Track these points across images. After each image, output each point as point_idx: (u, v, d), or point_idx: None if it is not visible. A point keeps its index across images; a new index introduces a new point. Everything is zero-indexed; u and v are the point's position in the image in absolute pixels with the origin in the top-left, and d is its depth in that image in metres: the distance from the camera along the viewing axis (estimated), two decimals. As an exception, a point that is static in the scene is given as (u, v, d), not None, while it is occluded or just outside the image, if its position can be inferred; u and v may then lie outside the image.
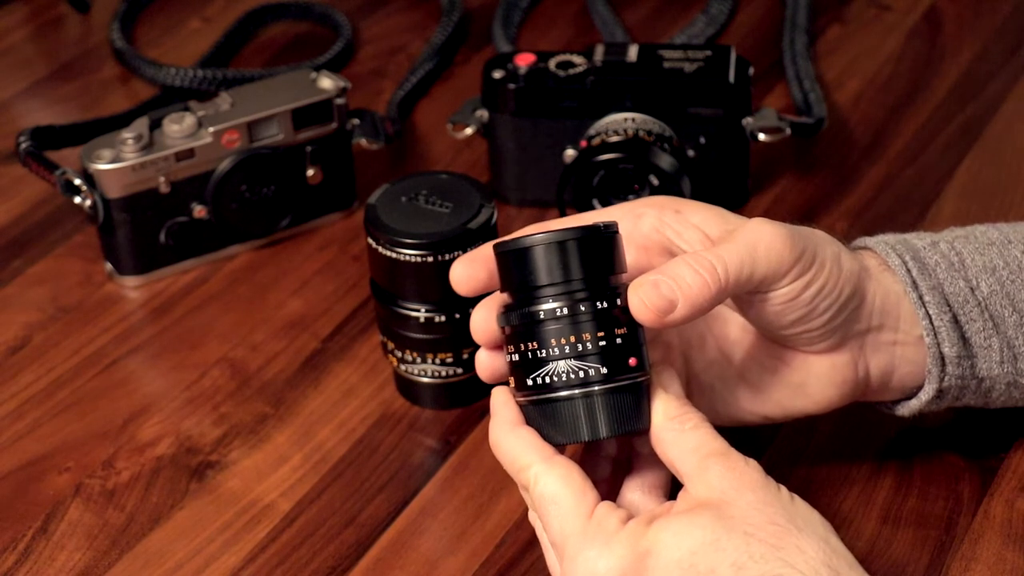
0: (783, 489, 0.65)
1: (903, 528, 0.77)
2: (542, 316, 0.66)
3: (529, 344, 0.66)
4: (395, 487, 0.81)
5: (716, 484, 0.64)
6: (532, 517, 0.69)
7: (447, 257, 0.79)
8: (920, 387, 0.75)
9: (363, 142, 0.98)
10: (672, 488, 0.69)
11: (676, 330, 0.74)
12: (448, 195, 0.81)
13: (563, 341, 0.65)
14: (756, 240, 0.68)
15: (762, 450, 0.81)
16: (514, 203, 1.01)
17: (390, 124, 1.02)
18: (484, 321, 0.70)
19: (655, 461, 0.69)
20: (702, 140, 0.96)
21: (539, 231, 0.67)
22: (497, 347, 0.70)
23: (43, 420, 0.86)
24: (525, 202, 1.01)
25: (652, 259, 0.72)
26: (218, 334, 0.92)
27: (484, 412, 0.85)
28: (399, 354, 0.84)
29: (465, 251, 0.79)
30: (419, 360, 0.83)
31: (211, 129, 0.93)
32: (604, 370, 0.66)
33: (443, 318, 0.81)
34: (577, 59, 0.97)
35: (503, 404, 0.68)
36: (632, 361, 0.66)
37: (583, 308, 0.65)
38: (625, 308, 0.66)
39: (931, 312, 0.73)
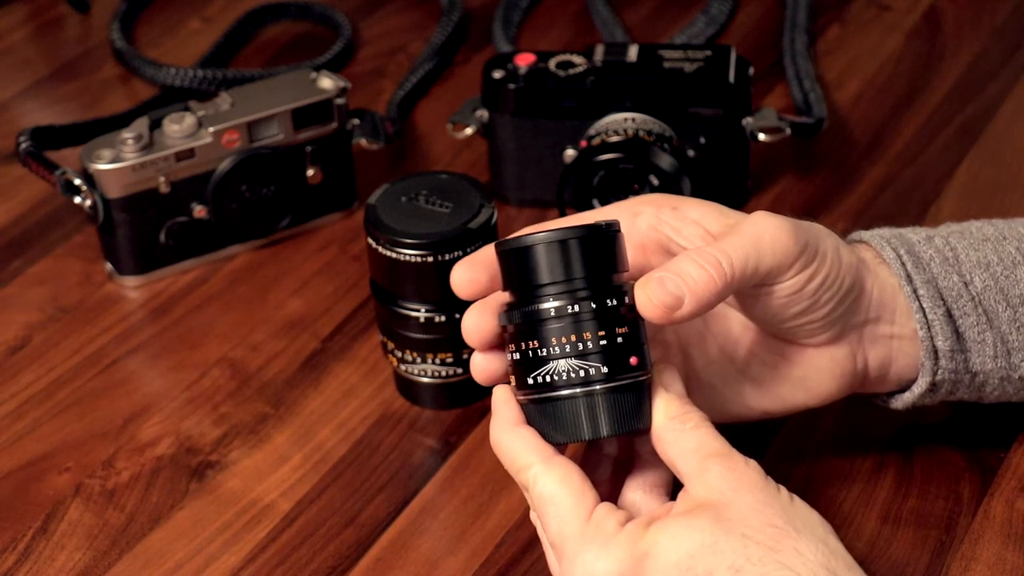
0: (783, 490, 0.65)
1: (903, 528, 0.77)
2: (543, 315, 0.66)
3: (530, 343, 0.66)
4: (395, 487, 0.81)
5: (716, 485, 0.64)
6: (533, 516, 0.69)
7: (447, 257, 0.79)
8: (915, 379, 0.75)
9: (363, 142, 0.98)
10: (673, 487, 0.69)
11: (674, 329, 0.75)
12: (448, 195, 0.81)
13: (564, 340, 0.66)
14: (760, 233, 0.68)
15: (762, 450, 0.81)
16: (514, 203, 1.01)
17: (390, 124, 1.02)
18: (476, 323, 0.70)
19: (656, 460, 0.69)
20: (702, 140, 0.96)
21: (540, 230, 0.67)
22: (490, 349, 0.70)
23: (43, 420, 0.86)
24: (525, 202, 1.01)
25: (649, 257, 0.72)
26: (218, 334, 0.92)
27: (484, 412, 0.85)
28: (399, 354, 0.84)
29: (465, 251, 0.79)
30: (419, 360, 0.83)
31: (211, 129, 0.93)
32: (605, 369, 0.66)
33: (443, 318, 0.81)
34: (577, 59, 0.97)
35: (504, 403, 0.68)
36: (633, 360, 0.66)
37: (584, 307, 0.65)
38: (627, 307, 0.66)
39: (925, 306, 0.73)
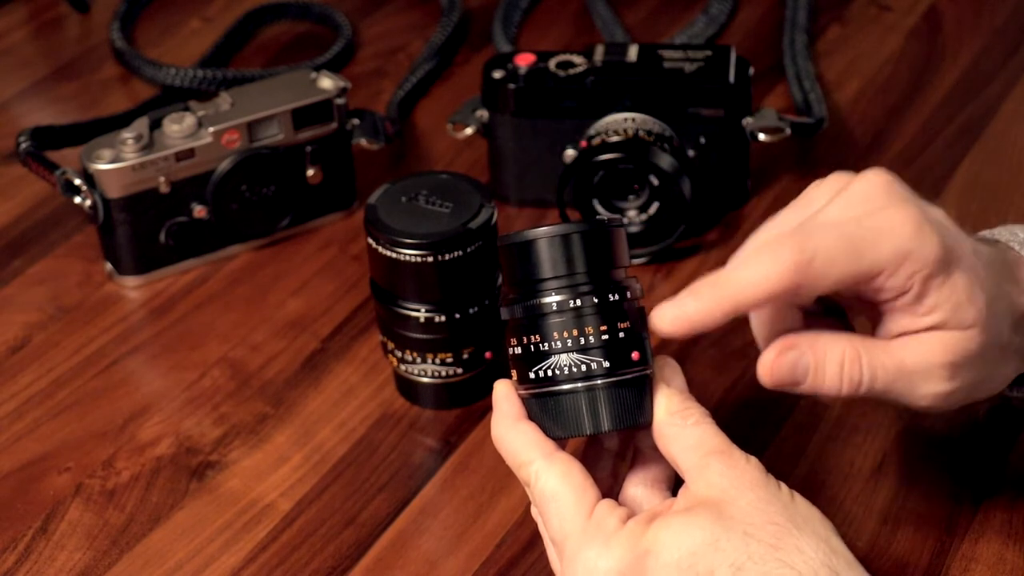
0: (783, 487, 0.65)
1: (903, 528, 0.77)
2: (545, 309, 0.66)
3: (532, 337, 0.66)
4: (395, 487, 0.81)
5: (716, 482, 0.64)
6: (535, 512, 0.69)
7: (447, 257, 0.79)
8: None
9: (363, 142, 0.98)
10: (675, 483, 0.69)
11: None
12: (448, 195, 0.81)
13: (566, 334, 0.66)
14: (914, 370, 0.67)
15: (763, 449, 0.81)
16: (514, 203, 1.01)
17: (390, 124, 1.02)
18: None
19: (657, 456, 0.69)
20: (702, 140, 0.96)
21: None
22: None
23: (43, 420, 0.86)
24: (525, 202, 1.01)
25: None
26: (218, 334, 0.92)
27: (484, 412, 0.85)
28: (399, 354, 0.84)
29: (465, 252, 0.79)
30: (419, 360, 0.83)
31: (211, 129, 0.93)
32: (607, 364, 0.66)
33: (443, 318, 0.81)
34: (577, 59, 0.97)
35: (505, 397, 0.68)
36: (635, 355, 0.66)
37: (586, 301, 0.66)
38: (629, 302, 0.66)
39: None
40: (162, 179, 0.93)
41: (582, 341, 0.66)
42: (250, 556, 0.78)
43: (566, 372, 0.66)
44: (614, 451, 0.71)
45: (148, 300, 0.95)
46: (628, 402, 0.66)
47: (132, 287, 0.96)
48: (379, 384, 0.88)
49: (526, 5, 1.20)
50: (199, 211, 0.95)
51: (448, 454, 0.83)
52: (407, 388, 0.86)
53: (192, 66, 1.12)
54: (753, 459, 0.65)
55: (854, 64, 1.14)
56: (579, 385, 0.66)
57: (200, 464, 0.83)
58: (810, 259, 0.65)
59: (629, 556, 0.63)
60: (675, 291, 0.67)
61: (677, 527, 0.63)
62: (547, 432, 0.67)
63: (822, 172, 1.02)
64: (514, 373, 0.68)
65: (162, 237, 0.95)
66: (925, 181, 1.01)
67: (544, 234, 0.66)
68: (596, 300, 0.66)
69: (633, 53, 0.98)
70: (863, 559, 0.72)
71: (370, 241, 0.81)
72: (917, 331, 0.67)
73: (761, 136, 0.96)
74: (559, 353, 0.66)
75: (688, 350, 0.88)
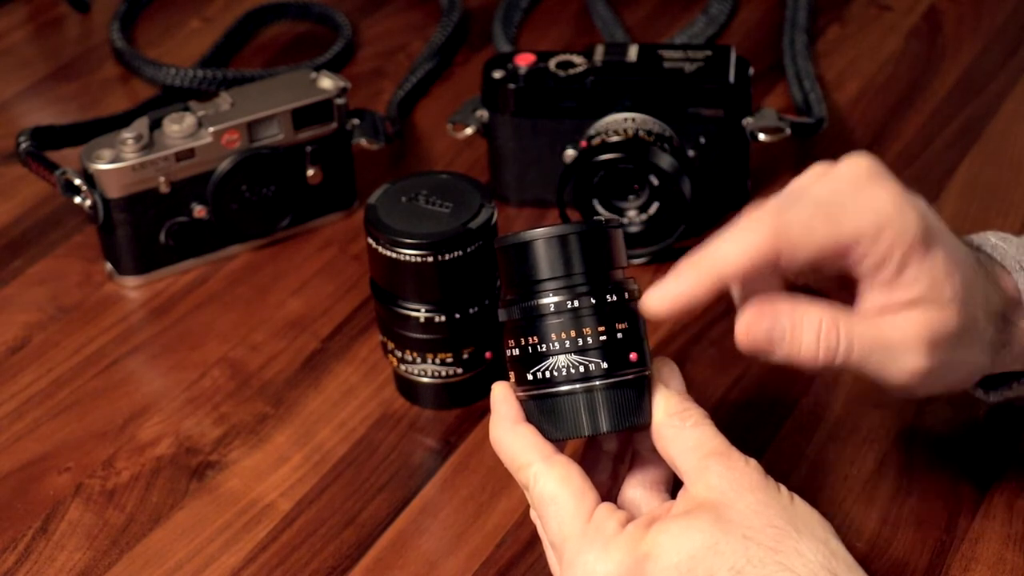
0: (783, 489, 0.65)
1: (903, 528, 0.77)
2: (543, 310, 0.66)
3: (529, 338, 0.66)
4: (395, 487, 0.81)
5: (715, 484, 0.64)
6: (534, 515, 0.69)
7: (447, 257, 0.79)
8: None
9: (363, 142, 0.98)
10: (673, 485, 0.69)
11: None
12: (448, 195, 0.81)
13: (563, 336, 0.66)
14: (894, 347, 0.67)
15: (762, 450, 0.81)
16: (514, 203, 1.01)
17: (390, 124, 1.02)
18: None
19: (656, 457, 0.69)
20: (702, 140, 0.96)
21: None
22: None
23: (43, 420, 0.86)
24: (525, 202, 1.01)
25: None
26: (218, 334, 0.92)
27: (484, 412, 0.85)
28: (399, 354, 0.84)
29: (465, 252, 0.79)
30: (419, 360, 0.83)
31: (211, 129, 0.93)
32: (605, 365, 0.66)
33: (443, 318, 0.81)
34: (577, 59, 0.97)
35: (503, 399, 0.68)
36: (633, 356, 0.66)
37: (584, 303, 0.65)
38: (626, 303, 0.66)
39: None
40: (162, 179, 0.93)
41: (580, 342, 0.65)
42: (250, 556, 0.78)
43: (564, 374, 0.66)
44: (613, 453, 0.71)
45: (148, 300, 0.95)
46: (626, 403, 0.66)
47: (132, 287, 0.96)
48: (379, 384, 0.88)
49: (526, 5, 1.20)
50: (199, 211, 0.95)
51: (448, 454, 0.83)
52: (407, 388, 0.86)
53: (192, 66, 1.12)
54: (752, 461, 0.65)
55: (854, 64, 1.14)
56: (577, 387, 0.66)
57: (200, 464, 0.83)
58: (788, 227, 0.65)
59: (628, 560, 0.63)
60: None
61: (676, 531, 0.63)
62: (545, 434, 0.67)
63: (822, 172, 1.03)
64: (512, 375, 0.68)
65: (162, 237, 0.95)
66: (925, 181, 1.01)
67: (541, 235, 0.66)
68: (594, 301, 0.66)
69: (633, 53, 0.98)
70: (863, 559, 0.72)
71: (370, 241, 0.81)
72: (896, 306, 0.67)
73: (761, 136, 0.96)
74: (557, 354, 0.66)
75: (688, 350, 0.88)
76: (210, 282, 0.96)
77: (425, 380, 0.84)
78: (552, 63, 0.97)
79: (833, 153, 1.03)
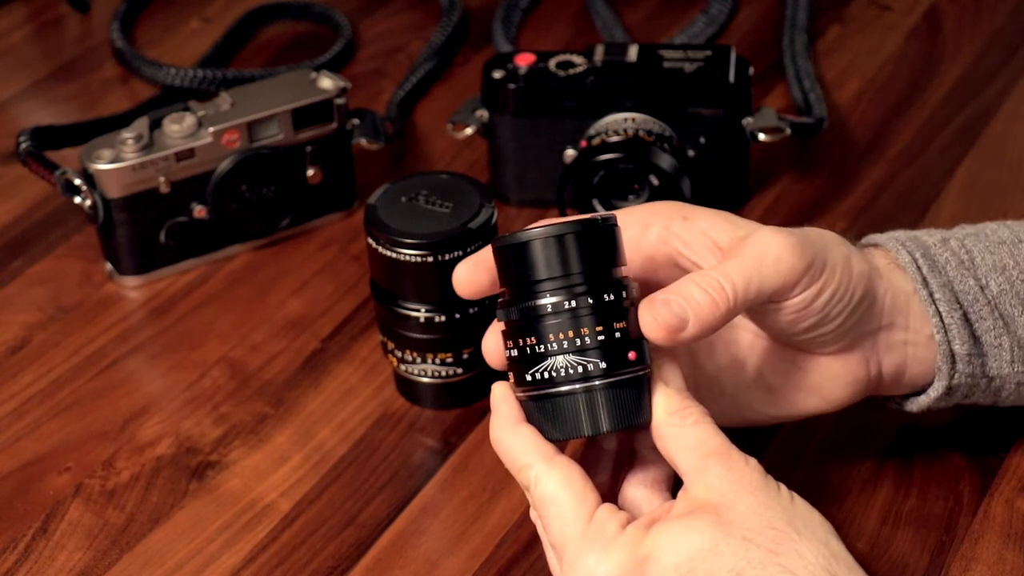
0: (783, 489, 0.65)
1: (903, 528, 0.77)
2: (540, 311, 0.66)
3: (528, 339, 0.66)
4: (395, 487, 0.81)
5: (715, 485, 0.64)
6: (534, 515, 0.69)
7: (447, 257, 0.79)
8: (930, 383, 0.75)
9: (363, 142, 0.98)
10: (674, 483, 0.69)
11: None
12: (448, 195, 0.81)
13: (562, 336, 0.65)
14: (763, 253, 0.68)
15: (762, 450, 0.81)
16: (514, 203, 1.01)
17: (390, 124, 1.02)
18: (496, 345, 0.69)
19: (656, 456, 0.69)
20: (702, 140, 0.96)
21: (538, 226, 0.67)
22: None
23: (43, 420, 0.86)
24: (525, 202, 1.01)
25: (659, 270, 0.71)
26: (218, 334, 0.92)
27: (484, 412, 0.85)
28: (399, 354, 0.84)
29: (465, 252, 0.79)
30: (419, 360, 0.83)
31: (211, 129, 0.93)
32: (604, 365, 0.65)
33: (443, 318, 0.81)
34: (577, 59, 0.97)
35: (503, 400, 0.68)
36: (632, 355, 0.66)
37: (582, 302, 0.65)
38: (625, 301, 0.66)
39: (941, 309, 0.73)
40: (162, 179, 0.93)
41: (578, 342, 0.65)
42: (250, 556, 0.78)
43: (563, 374, 0.66)
44: (613, 452, 0.71)
45: (148, 300, 0.95)
46: (626, 403, 0.66)
47: (132, 287, 0.96)
48: (379, 384, 0.88)
49: (526, 5, 1.20)
50: (199, 211, 0.95)
51: (448, 454, 0.83)
52: (407, 388, 0.86)
53: (192, 66, 1.12)
54: (752, 460, 0.65)
55: (854, 64, 1.14)
56: (577, 387, 0.66)
57: (200, 464, 0.83)
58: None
59: (629, 561, 0.63)
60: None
61: (676, 532, 0.63)
62: (546, 434, 0.67)
63: (822, 172, 1.03)
64: (511, 375, 0.68)
65: (162, 237, 0.95)
66: (925, 181, 1.01)
67: (538, 235, 0.66)
68: (592, 300, 0.66)
69: (633, 53, 0.98)
70: (863, 559, 0.72)
71: (370, 241, 0.81)
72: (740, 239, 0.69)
73: (761, 136, 0.96)
74: (556, 355, 0.66)
75: (688, 350, 0.88)
76: (210, 282, 0.96)
77: (425, 380, 0.84)
78: (552, 63, 0.97)
79: (833, 153, 1.04)
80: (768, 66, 1.12)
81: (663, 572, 0.63)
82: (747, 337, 0.75)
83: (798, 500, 0.65)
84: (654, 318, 0.66)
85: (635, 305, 0.67)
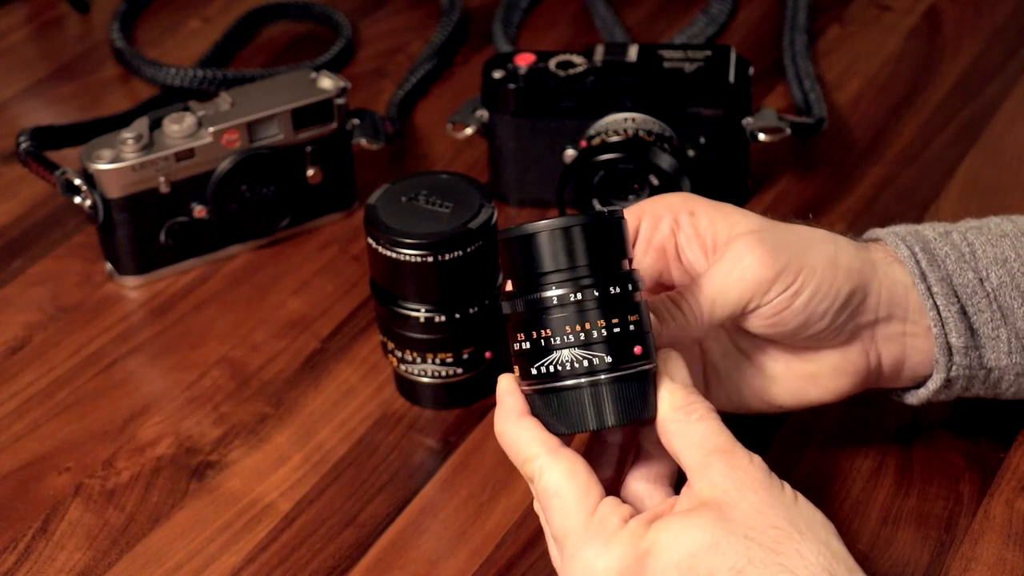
0: (787, 488, 0.65)
1: (903, 528, 0.77)
2: (546, 303, 0.66)
3: (533, 332, 0.66)
4: (395, 487, 0.81)
5: (719, 483, 0.64)
6: (537, 507, 0.69)
7: (447, 257, 0.79)
8: (930, 375, 0.75)
9: (363, 142, 0.98)
10: (678, 478, 0.69)
11: None
12: (448, 195, 0.81)
13: (568, 329, 0.65)
14: (731, 267, 0.70)
15: (763, 449, 0.81)
16: (514, 203, 1.01)
17: (390, 124, 1.02)
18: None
19: (660, 451, 0.69)
20: (702, 140, 0.96)
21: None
22: None
23: (43, 420, 0.86)
24: (525, 202, 1.01)
25: (671, 262, 0.73)
26: (218, 334, 0.92)
27: (484, 412, 0.85)
28: (399, 354, 0.84)
29: (465, 252, 0.79)
30: (419, 360, 0.83)
31: (211, 129, 0.93)
32: (609, 359, 0.65)
33: (443, 318, 0.81)
34: (577, 59, 0.97)
35: (508, 393, 0.68)
36: (638, 349, 0.66)
37: (588, 295, 0.65)
38: (631, 295, 0.66)
39: (939, 303, 0.73)
40: (162, 179, 0.93)
41: (584, 336, 0.65)
42: (250, 556, 0.78)
43: (569, 368, 0.66)
44: (618, 445, 0.71)
45: (148, 300, 0.95)
46: (632, 397, 0.66)
47: (132, 287, 0.96)
48: (379, 384, 0.88)
49: (526, 5, 1.20)
50: (199, 211, 0.95)
51: (448, 454, 0.83)
52: (407, 388, 0.86)
53: (192, 66, 1.12)
54: (756, 458, 0.65)
55: (854, 64, 1.14)
56: (582, 381, 0.66)
57: (200, 464, 0.83)
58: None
59: (629, 556, 0.63)
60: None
61: (677, 529, 0.63)
62: (550, 428, 0.67)
63: (822, 172, 1.03)
64: (516, 368, 0.68)
65: (162, 237, 0.95)
66: (925, 181, 1.01)
67: (545, 227, 0.66)
68: (597, 293, 0.66)
69: (633, 53, 0.98)
70: (863, 559, 0.72)
71: (370, 241, 0.81)
72: (720, 248, 0.71)
73: (761, 136, 0.96)
74: (561, 348, 0.66)
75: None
76: (210, 282, 0.96)
77: (425, 380, 0.84)
78: (552, 63, 0.97)
79: (833, 153, 1.04)
80: (768, 66, 1.12)
81: (663, 568, 0.63)
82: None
83: (801, 499, 0.65)
84: None
85: (643, 299, 0.67)
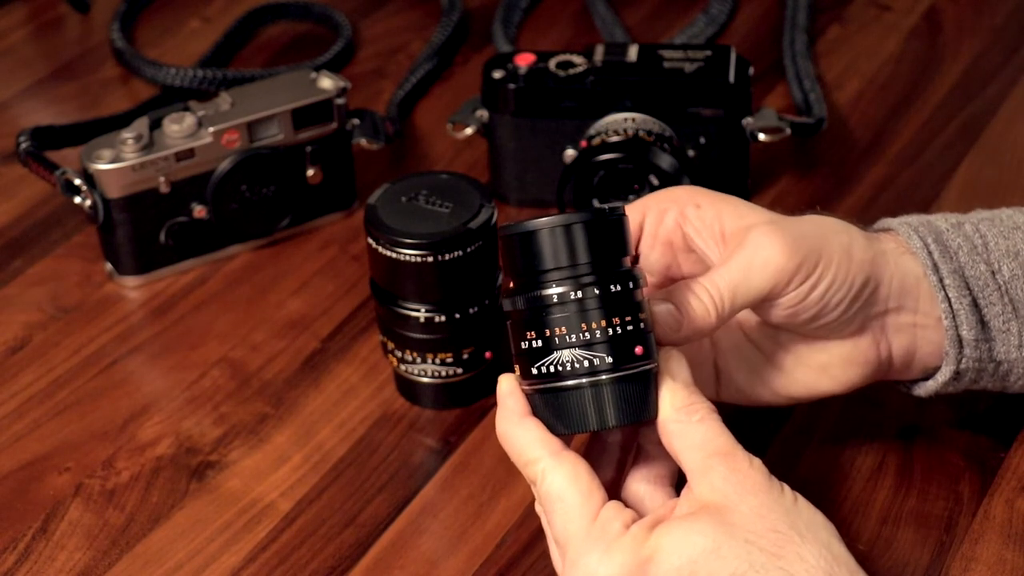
0: (786, 490, 0.65)
1: (903, 528, 0.77)
2: (547, 301, 0.65)
3: (534, 331, 0.66)
4: (395, 487, 0.81)
5: (719, 486, 0.64)
6: (539, 508, 0.69)
7: (447, 257, 0.79)
8: (940, 366, 0.75)
9: (363, 142, 0.98)
10: (678, 479, 0.69)
11: None
12: (448, 195, 0.81)
13: (569, 329, 0.65)
14: (752, 256, 0.69)
15: (763, 449, 0.81)
16: (514, 203, 1.01)
17: (390, 124, 1.02)
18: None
19: (661, 452, 0.69)
20: (702, 140, 0.96)
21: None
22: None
23: (43, 420, 0.86)
24: (525, 202, 1.01)
25: (678, 255, 0.73)
26: (218, 334, 0.92)
27: (484, 412, 0.85)
28: (399, 354, 0.84)
29: (465, 252, 0.79)
30: (419, 360, 0.83)
31: (211, 129, 0.93)
32: (611, 359, 0.65)
33: (443, 318, 0.81)
34: (577, 59, 0.97)
35: (509, 393, 0.68)
36: (639, 349, 0.66)
37: (589, 294, 0.65)
38: (632, 293, 0.66)
39: (950, 295, 0.73)
40: (162, 179, 0.93)
41: (585, 336, 0.65)
42: (250, 556, 0.78)
43: (570, 368, 0.66)
44: (617, 445, 0.71)
45: (148, 300, 0.95)
46: (633, 397, 0.66)
47: (132, 287, 0.96)
48: (379, 384, 0.88)
49: (526, 5, 1.20)
50: (199, 211, 0.95)
51: (448, 454, 0.83)
52: (407, 388, 0.86)
53: (192, 66, 1.12)
54: (757, 461, 0.65)
55: (854, 64, 1.14)
56: (583, 381, 0.66)
57: (200, 464, 0.83)
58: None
59: (631, 562, 0.63)
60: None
61: (678, 533, 0.63)
62: (551, 428, 0.67)
63: (822, 172, 1.03)
64: (517, 368, 0.68)
65: (162, 237, 0.95)
66: (925, 181, 1.01)
67: (546, 224, 0.66)
68: (598, 291, 0.65)
69: (633, 53, 0.98)
70: (863, 559, 0.72)
71: (370, 241, 0.81)
72: (735, 240, 0.71)
73: (761, 136, 0.96)
74: (562, 348, 0.66)
75: (688, 350, 0.88)
76: (210, 282, 0.96)
77: (425, 380, 0.84)
78: (552, 63, 0.97)
79: (833, 153, 1.04)
80: (768, 66, 1.12)
81: (665, 573, 0.63)
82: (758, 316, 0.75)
83: (801, 502, 0.65)
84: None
85: (644, 297, 0.67)
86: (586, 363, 0.65)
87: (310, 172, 0.97)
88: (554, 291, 0.65)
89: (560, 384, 0.66)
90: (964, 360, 0.74)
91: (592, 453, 0.71)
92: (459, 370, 0.84)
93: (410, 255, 0.79)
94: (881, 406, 0.83)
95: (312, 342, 0.91)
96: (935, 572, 0.75)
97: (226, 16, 1.20)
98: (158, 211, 0.94)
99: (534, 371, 0.66)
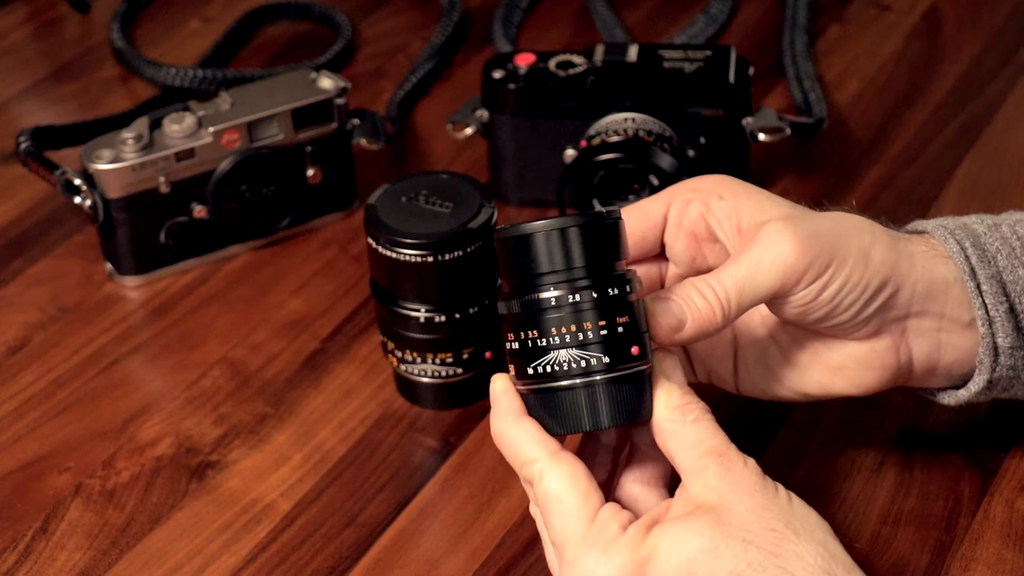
0: (781, 489, 0.65)
1: (903, 528, 0.77)
2: (543, 304, 0.66)
3: (530, 332, 0.66)
4: (395, 487, 0.81)
5: (714, 486, 0.64)
6: (534, 510, 0.69)
7: (447, 257, 0.79)
8: (966, 374, 0.74)
9: (363, 142, 0.98)
10: (672, 480, 0.69)
11: None
12: (448, 195, 0.81)
13: (564, 330, 0.65)
14: (763, 254, 0.68)
15: (762, 450, 0.81)
16: (514, 203, 1.01)
17: (390, 124, 1.02)
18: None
19: (655, 453, 0.69)
20: (702, 140, 0.96)
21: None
22: None
23: (43, 420, 0.86)
24: (525, 202, 1.01)
25: (703, 246, 0.72)
26: (218, 334, 0.92)
27: (484, 412, 0.85)
28: (399, 354, 0.84)
29: (465, 252, 0.79)
30: (419, 360, 0.83)
31: (211, 129, 0.93)
32: (606, 359, 0.65)
33: (443, 318, 0.81)
34: (577, 59, 0.97)
35: (504, 393, 0.68)
36: (634, 350, 0.66)
37: (585, 296, 0.65)
38: (628, 296, 0.66)
39: (988, 301, 0.71)
40: (162, 179, 0.93)
41: (581, 336, 0.65)
42: (250, 556, 0.78)
43: (565, 368, 0.66)
44: (611, 446, 0.71)
45: (148, 300, 0.95)
46: (628, 398, 0.66)
47: (132, 287, 0.96)
48: (379, 384, 0.88)
49: (526, 5, 1.20)
50: (199, 211, 0.95)
51: (448, 454, 0.83)
52: (407, 388, 0.86)
53: (192, 66, 1.12)
54: (751, 461, 0.65)
55: (854, 64, 1.14)
56: (578, 381, 0.66)
57: (200, 464, 0.83)
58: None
59: (629, 564, 0.63)
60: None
61: (676, 534, 0.63)
62: (546, 428, 0.67)
63: (822, 172, 1.03)
64: (512, 368, 0.68)
65: (162, 237, 0.95)
66: (925, 181, 1.01)
67: (541, 227, 0.66)
68: (595, 295, 0.65)
69: (633, 53, 0.98)
70: (863, 559, 0.73)
71: (370, 241, 0.81)
72: (749, 236, 0.70)
73: (761, 136, 0.96)
74: (558, 349, 0.66)
75: (688, 350, 0.88)
76: (210, 282, 0.96)
77: (425, 380, 0.84)
78: (552, 63, 0.97)
79: (833, 153, 1.04)
80: (768, 66, 1.12)
81: (663, 574, 0.63)
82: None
83: (796, 501, 0.65)
84: (653, 314, 0.67)
85: (639, 299, 0.67)
86: (582, 363, 0.65)
87: (310, 172, 0.97)
88: (550, 294, 0.66)
89: (555, 384, 0.66)
90: (999, 368, 0.72)
91: (585, 454, 0.71)
92: (459, 370, 0.84)
93: (410, 255, 0.79)
94: (881, 406, 0.83)
95: (312, 342, 0.91)
96: (935, 572, 0.75)
97: (226, 16, 1.20)
98: (158, 211, 0.94)
99: (529, 371, 0.66)
